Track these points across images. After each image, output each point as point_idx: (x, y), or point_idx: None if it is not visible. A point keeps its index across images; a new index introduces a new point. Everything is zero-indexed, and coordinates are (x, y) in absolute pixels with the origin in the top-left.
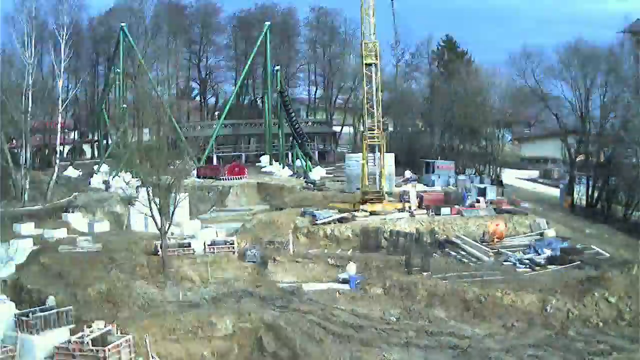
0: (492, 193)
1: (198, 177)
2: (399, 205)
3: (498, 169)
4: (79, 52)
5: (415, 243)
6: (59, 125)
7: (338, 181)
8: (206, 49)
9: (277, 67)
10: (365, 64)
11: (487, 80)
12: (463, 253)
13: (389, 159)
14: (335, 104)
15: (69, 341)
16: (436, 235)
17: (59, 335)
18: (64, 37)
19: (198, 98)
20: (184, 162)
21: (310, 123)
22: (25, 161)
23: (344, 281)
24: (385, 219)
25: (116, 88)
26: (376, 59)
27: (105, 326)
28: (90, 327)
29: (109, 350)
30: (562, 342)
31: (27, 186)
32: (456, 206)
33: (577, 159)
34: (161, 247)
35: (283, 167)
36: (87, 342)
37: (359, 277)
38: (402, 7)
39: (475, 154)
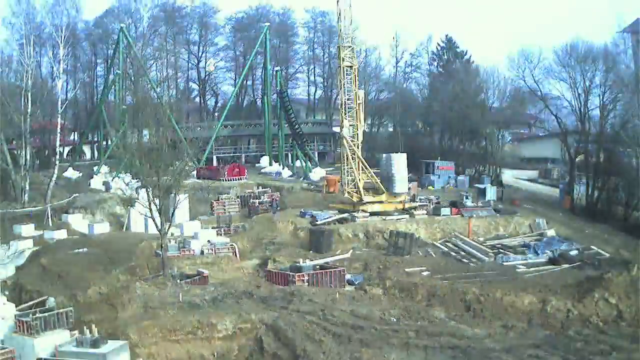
0: (491, 193)
1: (198, 178)
2: (400, 206)
3: (498, 169)
4: (77, 53)
5: (415, 243)
6: (59, 126)
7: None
8: (205, 50)
9: (277, 68)
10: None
11: (486, 80)
12: (463, 253)
13: (401, 160)
14: (335, 104)
15: (69, 343)
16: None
17: (59, 336)
18: (62, 38)
19: (197, 99)
20: (184, 163)
21: (310, 124)
22: (25, 162)
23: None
24: (385, 219)
25: (115, 89)
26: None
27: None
28: (90, 328)
29: (108, 352)
30: (562, 342)
31: (27, 187)
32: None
33: (577, 159)
34: (161, 248)
35: (283, 168)
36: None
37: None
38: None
39: (475, 154)
